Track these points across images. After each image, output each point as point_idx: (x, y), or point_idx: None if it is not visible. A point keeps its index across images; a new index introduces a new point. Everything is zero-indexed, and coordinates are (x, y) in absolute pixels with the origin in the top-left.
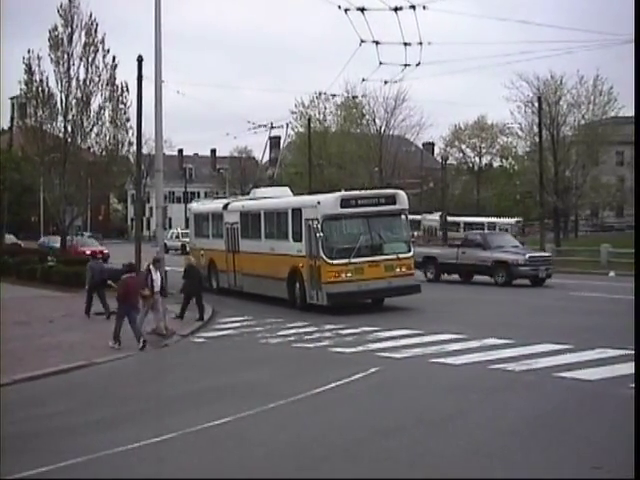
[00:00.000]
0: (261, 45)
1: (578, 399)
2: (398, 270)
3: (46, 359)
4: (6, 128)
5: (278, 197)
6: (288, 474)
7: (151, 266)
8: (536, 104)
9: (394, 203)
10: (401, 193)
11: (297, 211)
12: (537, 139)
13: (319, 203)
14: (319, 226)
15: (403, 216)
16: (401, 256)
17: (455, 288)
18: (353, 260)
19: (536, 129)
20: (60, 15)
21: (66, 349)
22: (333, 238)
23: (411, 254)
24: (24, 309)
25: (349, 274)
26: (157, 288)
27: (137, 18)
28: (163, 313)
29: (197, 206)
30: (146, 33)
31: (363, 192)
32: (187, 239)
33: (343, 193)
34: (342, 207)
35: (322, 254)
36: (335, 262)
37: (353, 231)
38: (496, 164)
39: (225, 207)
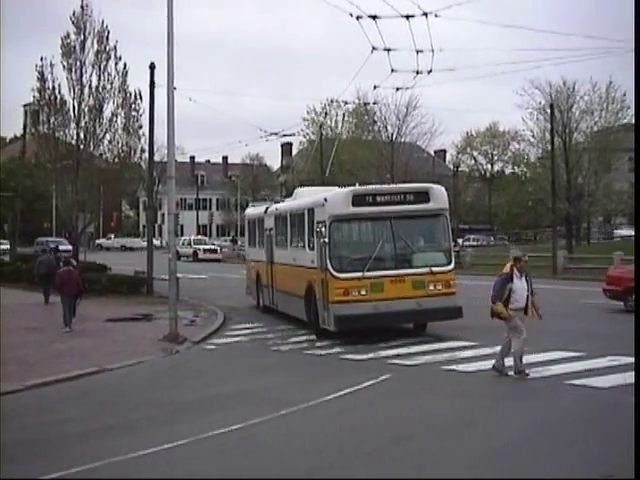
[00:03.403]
0: (270, 52)
1: (590, 407)
2: (432, 288)
3: (58, 365)
4: (19, 135)
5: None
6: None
7: (514, 268)
8: (548, 111)
9: (427, 201)
10: (437, 188)
11: (311, 212)
12: (549, 146)
13: (326, 201)
14: (326, 230)
15: (442, 218)
16: (436, 270)
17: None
18: (368, 274)
19: (548, 136)
20: (72, 23)
21: (78, 355)
22: (343, 245)
23: (451, 267)
24: (36, 315)
25: (363, 292)
26: (521, 303)
27: (145, 25)
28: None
29: (250, 211)
30: (154, 40)
31: (384, 186)
32: (199, 246)
33: (356, 188)
34: (355, 205)
35: (329, 265)
36: (344, 276)
37: (370, 237)
38: (508, 171)
39: (266, 211)
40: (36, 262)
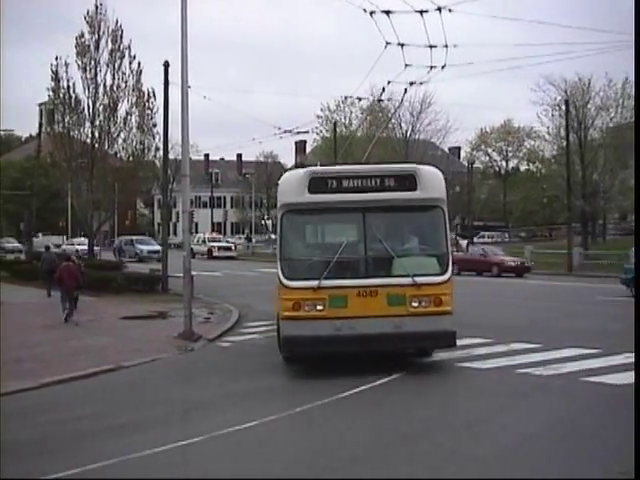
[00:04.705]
0: (281, 49)
1: (605, 404)
2: (415, 305)
3: (74, 363)
4: (34, 134)
5: None
6: (313, 478)
7: None
8: (563, 107)
9: (414, 187)
10: (428, 171)
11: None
12: (564, 142)
13: (278, 185)
14: (277, 223)
15: (435, 211)
16: (422, 280)
17: (476, 291)
18: (327, 283)
19: (563, 132)
20: (87, 22)
21: (94, 353)
22: (296, 244)
23: (446, 277)
24: (51, 313)
25: (319, 306)
26: None
27: (158, 24)
28: None
29: None
30: (166, 39)
31: (354, 167)
32: (213, 243)
33: (315, 168)
34: (312, 192)
35: (279, 270)
36: (295, 284)
37: (333, 234)
38: (523, 168)
39: None
40: (40, 259)
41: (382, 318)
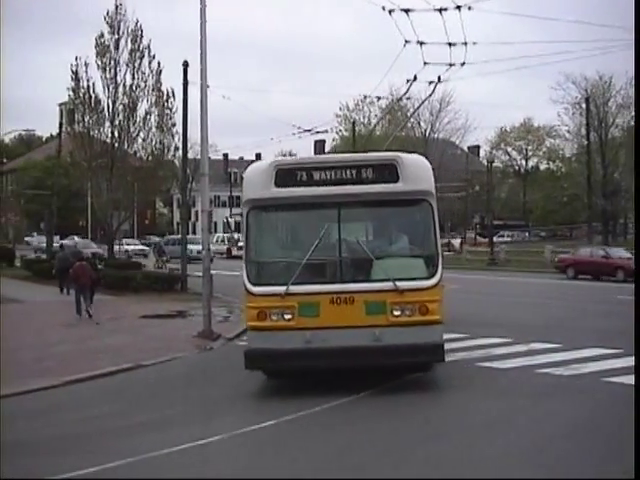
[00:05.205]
0: (299, 48)
1: (625, 405)
2: (398, 313)
3: (93, 361)
4: (55, 134)
5: None
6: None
7: None
8: (584, 105)
9: (395, 179)
10: (411, 160)
11: None
12: (585, 141)
13: (242, 179)
14: (242, 222)
15: (421, 205)
16: (405, 285)
17: (494, 291)
18: (296, 288)
19: (584, 131)
20: (106, 22)
21: (113, 351)
22: (261, 244)
23: (434, 282)
24: (70, 311)
25: (287, 315)
26: None
27: (177, 24)
28: None
29: None
30: (184, 39)
31: (328, 157)
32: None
33: (282, 159)
34: (279, 185)
35: (244, 274)
36: (260, 290)
37: (303, 233)
38: (543, 167)
39: None
40: (55, 258)
41: (359, 329)
